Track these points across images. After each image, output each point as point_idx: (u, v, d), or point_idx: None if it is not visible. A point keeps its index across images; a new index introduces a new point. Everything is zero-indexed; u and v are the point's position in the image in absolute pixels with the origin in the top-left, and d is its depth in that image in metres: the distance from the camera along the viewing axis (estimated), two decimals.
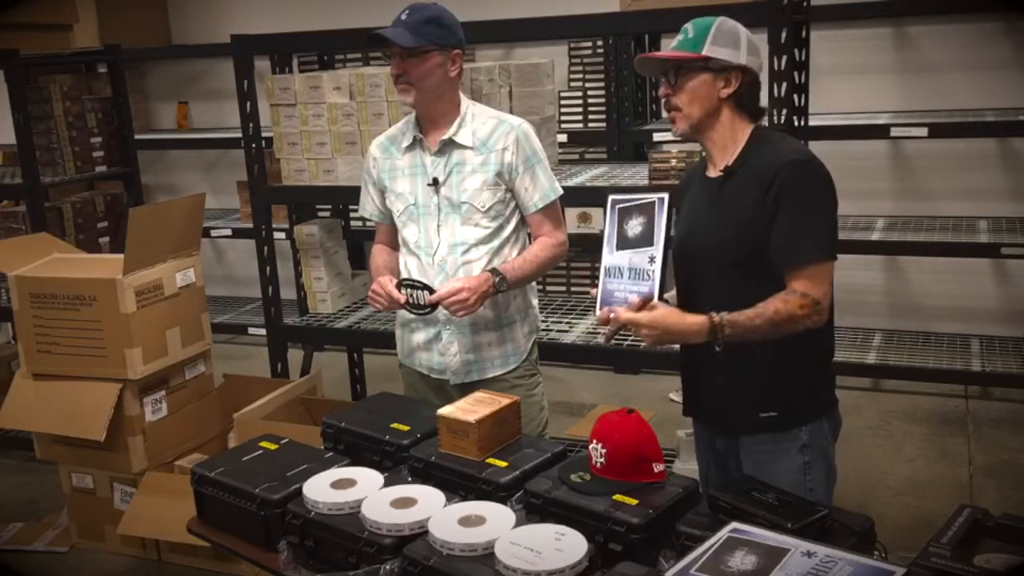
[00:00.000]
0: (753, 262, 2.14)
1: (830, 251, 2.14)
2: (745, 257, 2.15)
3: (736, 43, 2.19)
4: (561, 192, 2.76)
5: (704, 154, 2.35)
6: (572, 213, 5.42)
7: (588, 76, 5.55)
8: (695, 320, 2.06)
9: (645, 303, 2.08)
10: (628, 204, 2.23)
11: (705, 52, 2.16)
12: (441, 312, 2.67)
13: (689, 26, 2.22)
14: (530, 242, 2.82)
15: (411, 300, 2.62)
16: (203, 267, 3.90)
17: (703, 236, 2.22)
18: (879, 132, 4.72)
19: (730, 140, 2.23)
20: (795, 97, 3.28)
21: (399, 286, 2.64)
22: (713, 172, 2.27)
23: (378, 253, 2.90)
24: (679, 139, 2.31)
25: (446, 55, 2.61)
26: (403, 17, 2.58)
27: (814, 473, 2.24)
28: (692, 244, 2.25)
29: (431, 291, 2.59)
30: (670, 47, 2.24)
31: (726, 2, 3.32)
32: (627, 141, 5.29)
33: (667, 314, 2.06)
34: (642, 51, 5.44)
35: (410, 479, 2.19)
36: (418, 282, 2.63)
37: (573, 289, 5.80)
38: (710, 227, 2.22)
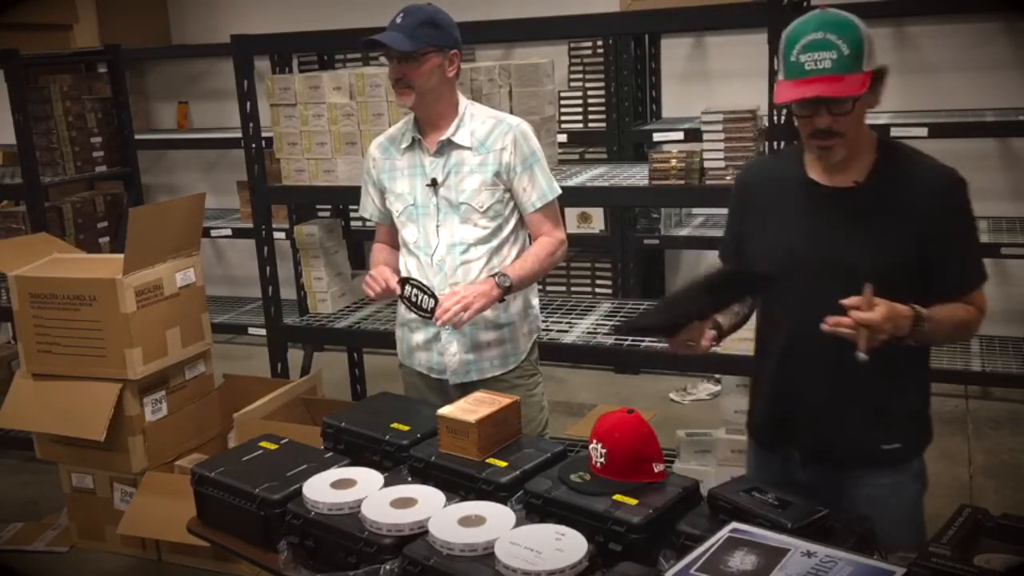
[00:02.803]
0: (895, 280, 1.94)
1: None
2: (889, 275, 1.93)
3: (874, 44, 1.94)
4: (559, 192, 2.76)
5: (787, 154, 2.10)
6: (572, 213, 5.43)
7: (588, 76, 5.54)
8: (905, 309, 1.89)
9: (866, 301, 1.87)
10: None
11: (867, 68, 1.91)
12: None
13: (832, 38, 1.89)
14: (529, 242, 2.82)
15: (414, 300, 2.62)
16: (203, 267, 3.90)
17: (829, 250, 2.01)
18: (879, 132, 4.71)
19: (860, 149, 2.03)
20: None
21: (404, 282, 2.63)
22: (829, 180, 2.05)
23: (378, 251, 2.90)
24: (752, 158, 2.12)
25: (444, 56, 2.61)
26: (398, 21, 2.57)
27: (923, 500, 2.14)
28: (807, 258, 2.04)
29: (437, 300, 2.58)
30: (817, 68, 1.89)
31: (726, 1, 3.33)
32: (627, 141, 5.29)
33: (890, 305, 1.88)
34: (642, 51, 5.43)
35: (410, 479, 2.18)
36: (427, 288, 2.63)
37: (573, 289, 5.80)
38: (841, 242, 2.01)
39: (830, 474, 2.11)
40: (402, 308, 2.82)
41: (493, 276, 2.62)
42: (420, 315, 2.65)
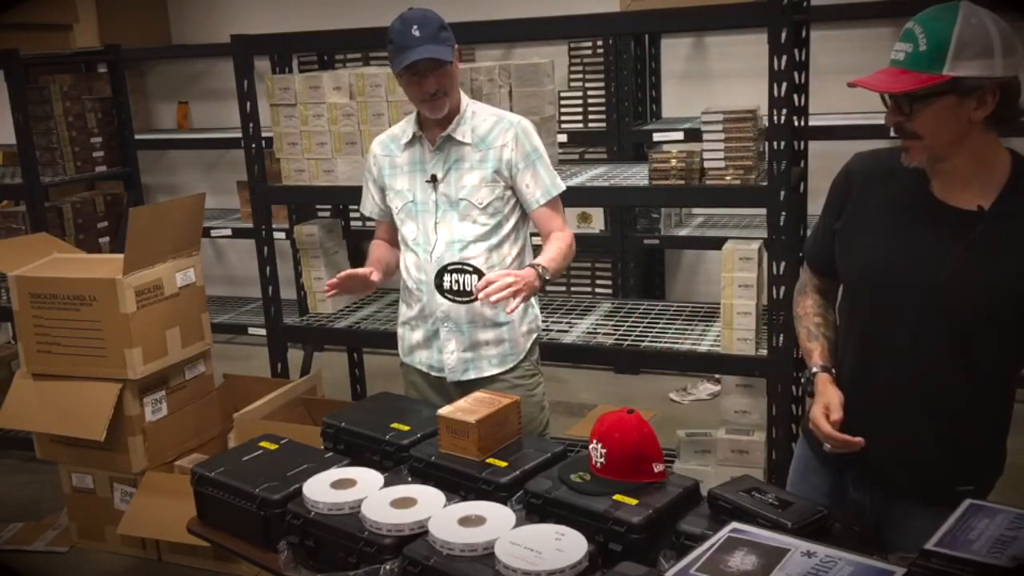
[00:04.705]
0: (1005, 324, 1.81)
1: None
2: (996, 317, 1.80)
3: (988, 50, 1.69)
4: (563, 188, 2.75)
5: (907, 159, 1.85)
6: (572, 213, 5.43)
7: (588, 76, 5.54)
8: None
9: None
10: None
11: (948, 72, 1.69)
12: (439, 308, 2.68)
13: (917, 30, 1.73)
14: (530, 241, 2.82)
15: (455, 288, 2.56)
16: (203, 267, 3.90)
17: (935, 281, 1.81)
18: (879, 132, 4.71)
19: (981, 168, 1.80)
20: (795, 97, 3.28)
21: (445, 270, 2.57)
22: (950, 198, 1.83)
23: (375, 247, 2.91)
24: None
25: (455, 54, 2.63)
26: (417, 34, 2.53)
27: None
28: (909, 284, 1.85)
29: (481, 274, 2.52)
30: (893, 58, 1.77)
31: (726, 2, 3.32)
32: (627, 141, 5.29)
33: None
34: (642, 51, 5.43)
35: (410, 479, 2.18)
36: (468, 265, 2.56)
37: (573, 289, 5.80)
38: (955, 271, 1.80)
39: (884, 498, 1.99)
40: (403, 307, 2.83)
41: (533, 267, 2.56)
42: (461, 301, 2.58)
